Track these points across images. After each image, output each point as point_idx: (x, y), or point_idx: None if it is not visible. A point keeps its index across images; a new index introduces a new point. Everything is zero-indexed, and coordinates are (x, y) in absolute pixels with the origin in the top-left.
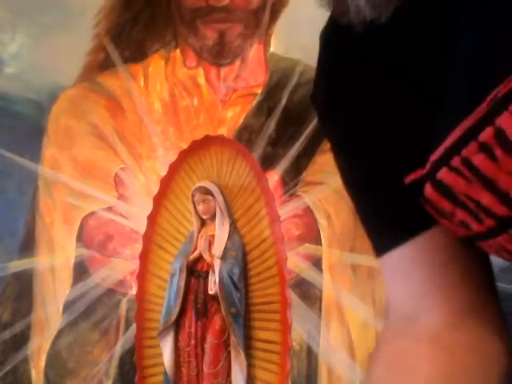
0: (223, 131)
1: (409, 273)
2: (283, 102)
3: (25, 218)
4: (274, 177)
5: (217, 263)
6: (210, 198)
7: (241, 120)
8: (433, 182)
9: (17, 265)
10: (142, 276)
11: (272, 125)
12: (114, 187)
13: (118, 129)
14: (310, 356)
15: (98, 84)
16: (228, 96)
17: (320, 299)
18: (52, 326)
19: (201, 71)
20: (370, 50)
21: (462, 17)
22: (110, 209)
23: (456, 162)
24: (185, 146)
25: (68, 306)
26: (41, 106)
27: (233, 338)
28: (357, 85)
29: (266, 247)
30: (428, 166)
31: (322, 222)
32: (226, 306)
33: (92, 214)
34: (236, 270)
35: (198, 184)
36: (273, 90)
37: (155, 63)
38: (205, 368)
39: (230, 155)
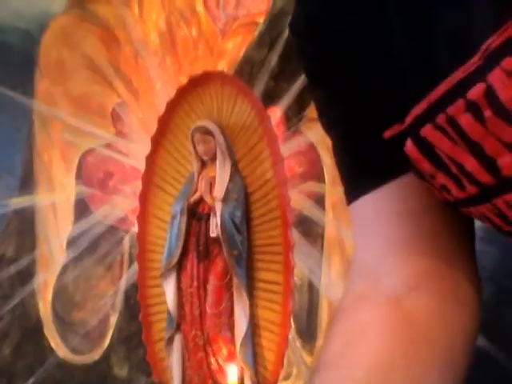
0: (223, 64)
1: (374, 226)
2: (287, 32)
3: (22, 154)
4: (276, 113)
5: (218, 206)
6: (211, 138)
7: (242, 52)
8: (415, 138)
9: (17, 202)
10: (143, 217)
11: (275, 57)
12: (111, 123)
13: (113, 61)
14: (312, 291)
15: (89, 12)
16: (228, 25)
17: (322, 236)
18: (56, 262)
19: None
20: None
21: None
22: (108, 146)
23: (441, 119)
24: (183, 79)
25: (71, 243)
26: (30, 36)
27: (235, 280)
28: (337, 21)
29: (268, 189)
30: (409, 120)
31: (326, 160)
32: (227, 249)
33: (90, 151)
34: (238, 213)
35: (198, 123)
36: (276, 19)
37: None
38: (207, 308)
39: (230, 92)
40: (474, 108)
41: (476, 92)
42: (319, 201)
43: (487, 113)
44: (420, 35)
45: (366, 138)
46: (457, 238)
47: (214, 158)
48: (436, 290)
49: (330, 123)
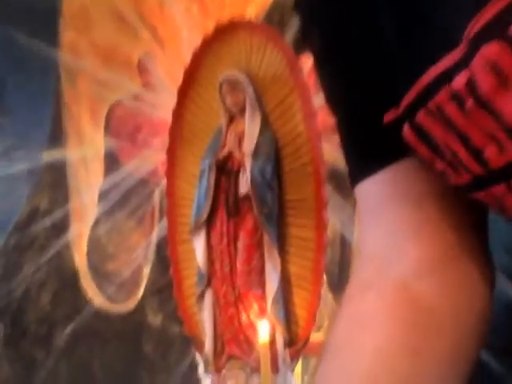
0: (252, 10)
1: (379, 211)
2: None
3: (50, 108)
4: (308, 61)
5: (248, 161)
6: (239, 89)
7: None
8: (411, 123)
9: (48, 156)
10: (171, 172)
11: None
12: (137, 74)
13: (137, 9)
14: (344, 245)
15: None
16: None
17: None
18: (89, 214)
19: None
20: None
21: None
22: (135, 97)
23: (431, 105)
24: (210, 26)
25: (103, 196)
26: None
27: (266, 237)
28: (332, 8)
29: (300, 143)
30: (404, 105)
31: None
32: (258, 206)
33: (118, 103)
34: (268, 168)
35: (226, 74)
36: None
37: None
38: (238, 265)
39: (260, 41)
40: (457, 97)
41: (459, 81)
42: None
43: (469, 103)
44: (409, 21)
45: (367, 120)
46: (467, 224)
47: (243, 111)
48: (445, 277)
49: (332, 105)
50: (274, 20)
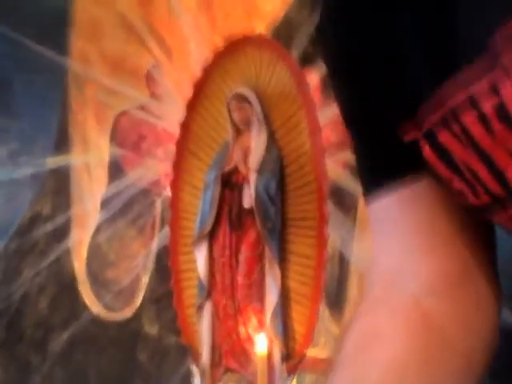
0: (261, 25)
1: (393, 228)
2: None
3: (57, 114)
4: (314, 77)
5: (252, 176)
6: (247, 105)
7: (281, 13)
8: (432, 143)
9: (53, 161)
10: (176, 184)
11: (315, 20)
12: (145, 84)
13: (147, 20)
14: (342, 262)
15: None
16: None
17: (356, 208)
18: (91, 221)
19: None
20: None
21: None
22: (141, 107)
23: (456, 128)
24: (218, 39)
25: (105, 203)
26: None
27: (267, 252)
28: (353, 21)
29: (305, 161)
30: (427, 126)
31: None
32: (261, 221)
33: (124, 112)
34: (273, 185)
35: (235, 91)
36: None
37: None
38: (239, 278)
39: (269, 58)
40: (484, 119)
41: (488, 104)
42: (354, 171)
43: (496, 125)
44: (436, 37)
45: (384, 140)
46: (477, 243)
47: (249, 127)
48: (455, 295)
49: (350, 123)
50: (281, 35)
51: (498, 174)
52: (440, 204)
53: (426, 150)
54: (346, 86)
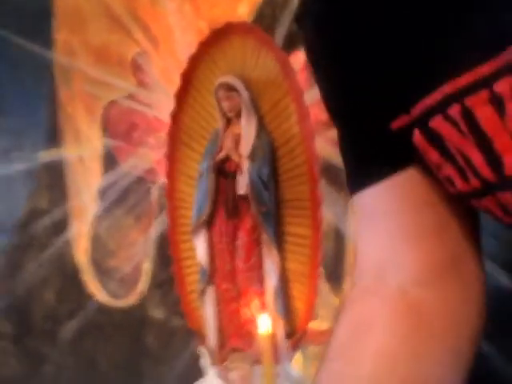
0: (244, 7)
1: (379, 219)
2: None
3: (46, 108)
4: (299, 57)
5: (245, 163)
6: (235, 94)
7: None
8: (423, 129)
9: (45, 156)
10: (171, 174)
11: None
12: (131, 73)
13: (130, 8)
14: (338, 237)
15: None
16: None
17: None
18: (89, 212)
19: None
20: None
21: None
22: (130, 96)
23: (454, 110)
24: (203, 25)
25: (101, 194)
26: None
27: (264, 235)
28: (349, 15)
29: (295, 144)
30: (418, 111)
31: None
32: (256, 206)
33: (113, 102)
34: (265, 170)
35: (222, 79)
36: None
37: None
38: (238, 263)
39: (254, 45)
40: (497, 100)
41: (503, 85)
42: None
43: (510, 106)
44: (440, 26)
45: (370, 129)
46: (463, 232)
47: (238, 115)
48: (442, 285)
49: (335, 114)
50: (265, 16)
51: (493, 159)
52: (426, 195)
53: (417, 136)
54: (330, 78)
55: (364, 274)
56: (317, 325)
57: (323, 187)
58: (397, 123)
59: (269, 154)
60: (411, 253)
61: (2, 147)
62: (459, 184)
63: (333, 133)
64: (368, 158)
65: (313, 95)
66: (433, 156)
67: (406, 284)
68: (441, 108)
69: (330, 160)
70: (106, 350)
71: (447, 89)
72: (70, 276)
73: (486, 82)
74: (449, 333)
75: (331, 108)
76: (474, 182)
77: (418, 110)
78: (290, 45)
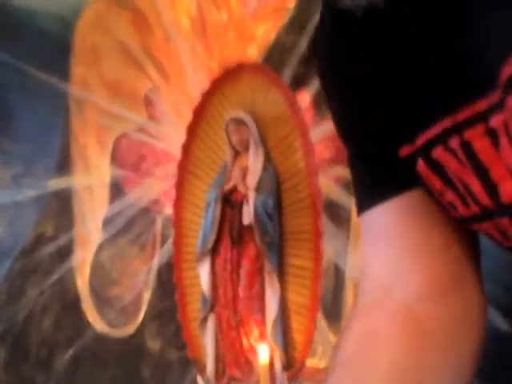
0: (253, 49)
1: (386, 237)
2: (317, 16)
3: (59, 138)
4: (305, 97)
5: (251, 195)
6: (244, 128)
7: (272, 37)
8: (426, 158)
9: (55, 183)
10: (179, 204)
11: (304, 42)
12: (143, 107)
13: (144, 46)
14: (337, 273)
15: None
16: (259, 10)
17: (349, 221)
18: (93, 241)
19: None
20: (369, 31)
21: (470, 5)
22: (141, 129)
23: (454, 142)
24: (214, 65)
25: (107, 223)
26: (65, 21)
27: (267, 265)
28: (356, 50)
29: (299, 178)
30: (421, 142)
31: None
32: (260, 236)
33: (124, 134)
34: (270, 201)
35: (232, 115)
36: (306, 3)
37: None
38: (240, 292)
39: (263, 83)
40: (493, 134)
41: (497, 120)
42: (347, 186)
43: (503, 140)
44: (440, 65)
45: (379, 153)
46: (465, 252)
47: (247, 148)
48: (445, 301)
49: (345, 136)
50: (274, 57)
51: (490, 187)
52: (431, 215)
53: (420, 165)
54: (341, 104)
55: (370, 289)
56: (314, 362)
57: (324, 223)
58: (402, 151)
59: (274, 186)
60: (416, 270)
61: (14, 173)
62: (461, 209)
63: (335, 171)
64: (376, 178)
65: (318, 133)
66: (436, 183)
67: (411, 300)
68: (441, 140)
69: (331, 197)
70: (102, 381)
71: (447, 122)
72: (69, 303)
73: (482, 117)
74: (451, 346)
75: (341, 130)
76: (474, 208)
77: (420, 141)
78: (296, 84)
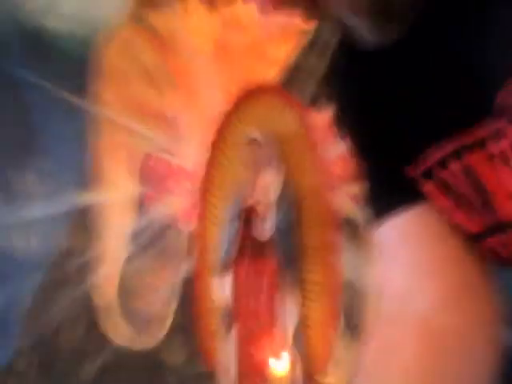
0: (273, 70)
1: (397, 251)
2: (335, 39)
3: (88, 157)
4: (322, 118)
5: (271, 212)
6: (263, 147)
7: (291, 59)
8: (433, 178)
9: (83, 199)
10: (202, 220)
11: (323, 65)
12: (167, 129)
13: (167, 69)
14: (355, 289)
15: (147, 22)
16: (278, 32)
17: (363, 237)
18: (119, 255)
19: (252, 6)
20: (380, 61)
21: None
22: (163, 150)
23: (456, 167)
24: (233, 85)
25: (131, 238)
26: (92, 46)
27: (286, 280)
28: (365, 71)
29: (317, 195)
30: (425, 165)
31: None
32: (279, 252)
33: (147, 154)
34: (289, 218)
35: (251, 135)
36: (325, 26)
37: None
38: (261, 306)
39: (280, 104)
40: (492, 159)
41: (504, 144)
42: (360, 202)
43: (499, 166)
44: (440, 91)
45: (391, 169)
46: (481, 264)
47: (266, 166)
48: (461, 312)
49: (360, 151)
50: (292, 79)
51: (490, 208)
52: (442, 227)
53: (427, 185)
54: (360, 127)
55: (387, 302)
56: (332, 381)
57: (342, 241)
58: (409, 172)
59: (293, 203)
60: (430, 281)
61: (47, 189)
62: (470, 226)
63: (351, 188)
64: (390, 191)
65: (335, 152)
66: (443, 202)
67: (427, 312)
68: (444, 164)
69: (348, 214)
70: None
71: (449, 147)
72: (94, 318)
73: (482, 143)
74: (467, 360)
75: (357, 144)
76: (480, 225)
77: (427, 162)
78: (313, 105)
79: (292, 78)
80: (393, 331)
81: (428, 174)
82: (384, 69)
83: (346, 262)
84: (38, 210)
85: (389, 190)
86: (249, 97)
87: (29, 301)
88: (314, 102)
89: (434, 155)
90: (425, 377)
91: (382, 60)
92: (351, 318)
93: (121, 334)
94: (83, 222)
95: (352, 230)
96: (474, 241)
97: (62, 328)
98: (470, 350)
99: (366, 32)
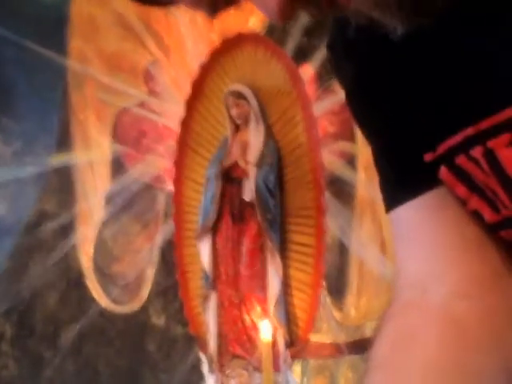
0: (255, 21)
1: (418, 234)
2: None
3: (58, 114)
4: (308, 70)
5: (252, 170)
6: (244, 101)
7: None
8: (449, 165)
9: (56, 160)
10: (178, 180)
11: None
12: (143, 82)
13: (143, 18)
14: (342, 250)
15: None
16: None
17: (353, 197)
18: (96, 218)
19: None
20: (405, 49)
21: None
22: (141, 104)
23: (477, 152)
24: (214, 36)
25: (109, 200)
26: None
27: (268, 243)
28: (374, 48)
29: (301, 152)
30: (442, 150)
31: None
32: (261, 213)
33: (124, 110)
34: (271, 177)
35: (231, 87)
36: None
37: None
38: (242, 269)
39: (264, 54)
40: None
41: None
42: (351, 161)
43: None
44: (463, 74)
45: (406, 152)
46: (503, 249)
47: (247, 122)
48: (484, 299)
49: (369, 134)
50: (276, 30)
51: (509, 196)
52: (463, 211)
53: (443, 171)
54: (362, 105)
55: (405, 287)
56: (319, 338)
57: (328, 200)
58: (426, 157)
59: (275, 161)
60: (453, 267)
61: (14, 151)
62: (488, 215)
63: (339, 145)
64: (403, 176)
65: (321, 107)
66: (459, 190)
67: (449, 297)
68: (463, 148)
69: (335, 172)
70: (107, 356)
71: (469, 131)
72: (74, 280)
73: (507, 127)
74: (494, 349)
75: (365, 127)
76: (504, 213)
77: (442, 149)
78: (299, 57)
79: (275, 28)
80: (411, 319)
81: (444, 160)
82: (408, 56)
83: (333, 221)
84: (7, 172)
85: (403, 175)
86: (229, 48)
87: (1, 266)
88: (299, 53)
89: (452, 140)
90: (445, 369)
91: (407, 47)
92: (336, 279)
93: (100, 297)
94: (56, 184)
95: (339, 189)
96: (491, 231)
97: (39, 292)
98: (498, 343)
99: (395, 23)
